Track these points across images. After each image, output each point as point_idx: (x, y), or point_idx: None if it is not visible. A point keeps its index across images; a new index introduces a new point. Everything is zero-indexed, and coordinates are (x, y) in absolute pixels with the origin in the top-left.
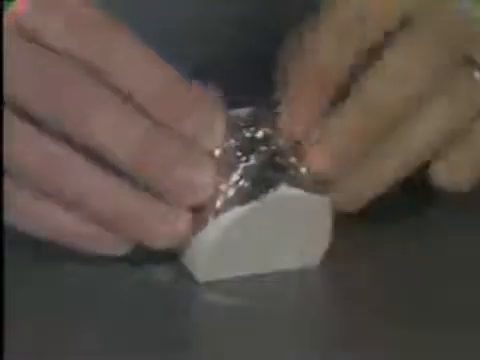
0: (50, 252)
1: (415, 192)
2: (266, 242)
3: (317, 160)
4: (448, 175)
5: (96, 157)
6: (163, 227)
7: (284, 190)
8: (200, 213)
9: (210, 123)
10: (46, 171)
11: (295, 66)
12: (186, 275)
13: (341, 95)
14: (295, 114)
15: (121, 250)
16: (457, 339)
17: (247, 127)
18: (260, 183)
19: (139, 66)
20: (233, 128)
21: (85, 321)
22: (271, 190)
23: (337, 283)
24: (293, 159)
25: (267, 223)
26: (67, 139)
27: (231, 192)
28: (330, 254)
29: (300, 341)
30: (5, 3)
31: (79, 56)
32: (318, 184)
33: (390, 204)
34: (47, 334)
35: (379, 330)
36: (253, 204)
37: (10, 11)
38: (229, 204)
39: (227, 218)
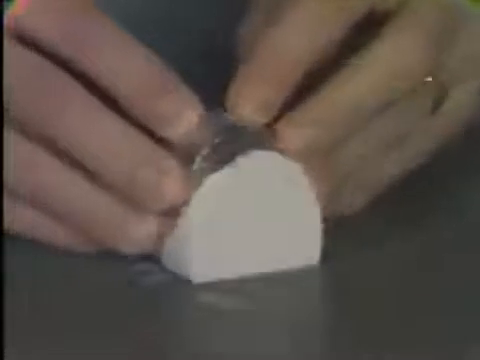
0: (46, 252)
1: None
2: (253, 221)
3: (290, 142)
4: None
5: (64, 155)
6: (129, 230)
7: (257, 153)
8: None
9: (180, 110)
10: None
11: (259, 43)
12: (182, 276)
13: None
14: (248, 93)
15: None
16: (459, 338)
17: (215, 133)
18: (229, 152)
19: (115, 50)
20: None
21: (81, 321)
22: (242, 154)
23: (337, 283)
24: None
25: (248, 194)
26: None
27: (197, 164)
28: (330, 254)
29: (300, 341)
30: (5, 3)
31: (60, 44)
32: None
33: None
34: (44, 332)
35: (380, 330)
36: (226, 169)
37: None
38: (202, 175)
39: (204, 189)
